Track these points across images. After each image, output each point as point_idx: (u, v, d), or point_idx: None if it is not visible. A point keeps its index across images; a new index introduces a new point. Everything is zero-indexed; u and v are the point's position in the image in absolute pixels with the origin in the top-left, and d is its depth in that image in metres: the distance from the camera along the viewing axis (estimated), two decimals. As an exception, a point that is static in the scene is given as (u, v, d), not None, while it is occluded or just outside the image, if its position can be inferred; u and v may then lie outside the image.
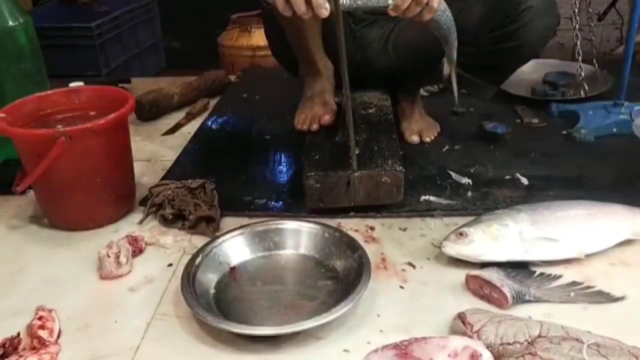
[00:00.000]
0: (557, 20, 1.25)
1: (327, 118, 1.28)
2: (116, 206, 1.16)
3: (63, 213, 1.13)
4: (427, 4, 0.95)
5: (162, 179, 1.29)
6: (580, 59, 1.62)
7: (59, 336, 0.85)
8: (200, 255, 0.96)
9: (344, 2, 0.94)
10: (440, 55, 1.21)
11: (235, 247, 1.01)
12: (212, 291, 0.93)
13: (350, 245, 0.98)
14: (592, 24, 1.65)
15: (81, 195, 1.10)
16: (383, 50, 1.37)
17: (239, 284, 0.95)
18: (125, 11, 2.53)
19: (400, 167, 1.12)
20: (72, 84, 1.56)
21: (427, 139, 1.44)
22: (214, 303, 0.90)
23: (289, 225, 1.05)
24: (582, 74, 1.61)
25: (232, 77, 1.98)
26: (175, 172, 1.34)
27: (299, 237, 1.03)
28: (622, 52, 1.64)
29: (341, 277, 0.95)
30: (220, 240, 1.01)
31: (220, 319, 0.84)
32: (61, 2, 2.66)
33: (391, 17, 1.34)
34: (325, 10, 0.90)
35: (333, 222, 1.11)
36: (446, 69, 1.22)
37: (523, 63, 1.35)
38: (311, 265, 0.99)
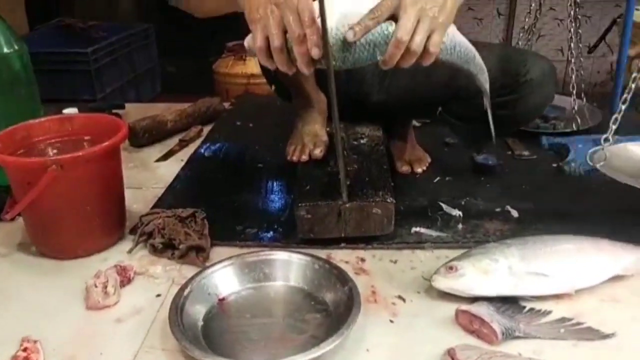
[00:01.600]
0: (555, 90, 1.23)
1: (317, 152, 1.28)
2: (105, 235, 1.15)
3: (51, 241, 1.13)
4: (424, 49, 0.85)
5: (154, 206, 1.28)
6: (574, 92, 1.64)
7: (43, 368, 0.84)
8: (189, 286, 0.96)
9: (334, 63, 0.89)
10: (436, 97, 1.20)
11: (225, 278, 1.00)
12: (200, 323, 0.92)
13: (340, 278, 0.97)
14: (581, 59, 1.67)
15: (70, 224, 1.10)
16: (378, 87, 1.38)
17: (227, 316, 0.94)
18: (122, 37, 2.55)
19: (391, 199, 1.12)
20: (66, 110, 1.57)
21: (419, 170, 1.45)
22: (202, 336, 0.89)
23: (279, 256, 1.04)
24: (576, 108, 1.63)
25: (226, 104, 1.99)
26: (166, 199, 1.33)
27: (288, 268, 1.03)
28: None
29: (331, 310, 0.95)
30: (209, 271, 1.00)
31: (207, 352, 0.83)
32: (58, 27, 2.69)
33: None
34: (307, 70, 0.86)
35: (323, 252, 1.11)
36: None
37: (517, 128, 1.35)
38: (301, 297, 0.99)
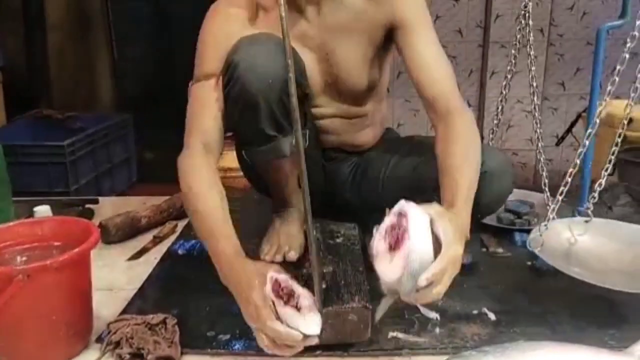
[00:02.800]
0: (512, 183, 1.29)
1: (291, 255, 1.28)
2: (70, 344, 1.11)
3: (13, 351, 1.07)
4: None
5: (123, 312, 1.25)
6: (547, 189, 1.67)
7: None
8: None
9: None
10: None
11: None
12: None
13: None
14: (542, 158, 1.71)
15: (34, 334, 1.05)
16: (351, 185, 1.41)
17: None
18: (100, 128, 2.57)
19: (368, 304, 1.10)
20: (37, 208, 1.55)
21: (395, 268, 1.44)
22: None
23: None
24: (550, 204, 1.65)
25: (202, 198, 1.98)
26: (136, 303, 1.30)
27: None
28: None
29: None
30: None
31: None
32: (36, 117, 2.70)
33: (360, 155, 1.41)
34: None
35: (298, 361, 1.08)
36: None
37: (478, 221, 1.38)
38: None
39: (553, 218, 1.34)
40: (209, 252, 1.12)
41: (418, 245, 0.95)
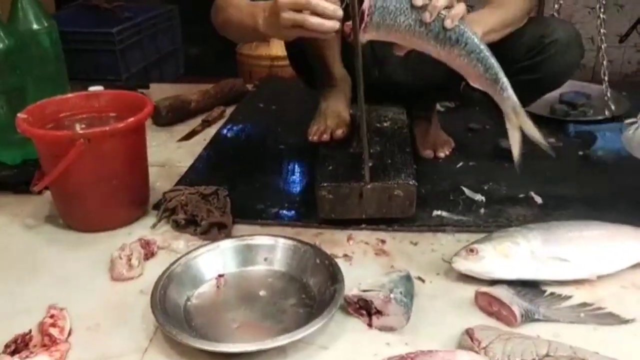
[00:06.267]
0: (581, 54, 1.24)
1: (339, 132, 1.28)
2: (130, 209, 1.18)
3: (78, 214, 1.15)
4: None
5: (176, 184, 1.30)
6: (606, 79, 1.60)
7: (69, 334, 0.87)
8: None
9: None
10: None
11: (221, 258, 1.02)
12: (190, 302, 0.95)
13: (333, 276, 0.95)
14: (603, 46, 1.62)
15: (96, 197, 1.12)
16: (402, 67, 1.37)
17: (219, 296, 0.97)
18: (147, 18, 2.56)
19: (413, 181, 1.12)
20: (92, 88, 1.58)
21: (441, 154, 1.44)
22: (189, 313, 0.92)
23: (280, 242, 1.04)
24: (609, 94, 1.59)
25: (250, 86, 1.99)
26: (189, 178, 1.35)
27: (278, 253, 1.03)
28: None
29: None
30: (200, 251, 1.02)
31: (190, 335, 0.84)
32: (83, 7, 2.71)
33: None
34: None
35: (344, 233, 1.12)
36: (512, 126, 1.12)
37: (544, 94, 1.35)
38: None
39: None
40: (250, 24, 1.07)
41: None
